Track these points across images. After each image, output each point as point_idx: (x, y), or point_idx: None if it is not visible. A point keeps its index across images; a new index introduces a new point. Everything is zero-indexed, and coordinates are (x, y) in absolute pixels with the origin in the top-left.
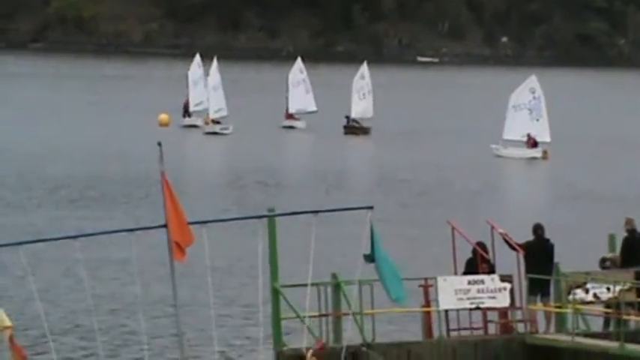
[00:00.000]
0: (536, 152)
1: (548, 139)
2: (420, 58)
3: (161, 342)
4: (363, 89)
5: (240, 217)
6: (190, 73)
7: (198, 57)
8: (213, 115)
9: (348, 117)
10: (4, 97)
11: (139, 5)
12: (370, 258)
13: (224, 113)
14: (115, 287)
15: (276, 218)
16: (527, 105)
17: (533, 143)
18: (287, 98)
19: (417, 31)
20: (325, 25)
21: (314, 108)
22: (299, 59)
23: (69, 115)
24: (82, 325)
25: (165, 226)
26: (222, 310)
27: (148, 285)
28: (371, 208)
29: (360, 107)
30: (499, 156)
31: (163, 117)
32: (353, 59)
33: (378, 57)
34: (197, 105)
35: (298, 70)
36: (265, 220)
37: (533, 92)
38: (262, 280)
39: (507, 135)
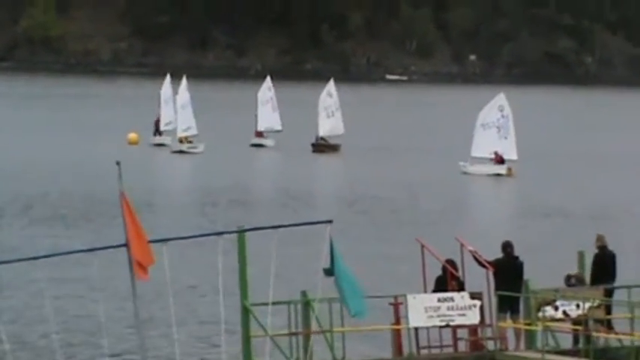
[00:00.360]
0: (502, 169)
1: (515, 157)
2: (388, 76)
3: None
4: (330, 107)
5: (199, 235)
6: (162, 92)
7: (169, 76)
8: (181, 134)
9: (317, 135)
10: None
11: (107, 24)
12: (330, 272)
13: (194, 132)
14: (77, 306)
15: (245, 236)
16: (495, 123)
17: (499, 160)
18: (256, 116)
19: (384, 49)
20: (293, 43)
21: (279, 127)
22: (268, 78)
23: (37, 135)
24: (44, 344)
25: (125, 245)
26: (189, 329)
27: (111, 304)
28: (330, 222)
29: (328, 125)
30: (466, 173)
31: (132, 136)
32: (321, 77)
33: (346, 75)
34: (167, 124)
35: (267, 88)
36: (232, 237)
37: (502, 110)
38: (226, 298)
39: (475, 152)
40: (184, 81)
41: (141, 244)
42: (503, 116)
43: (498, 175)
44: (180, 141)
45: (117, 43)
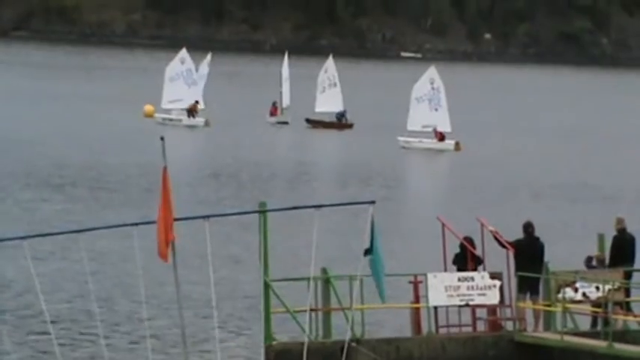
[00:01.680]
0: (449, 145)
1: (448, 129)
2: (403, 54)
3: (163, 334)
4: (324, 82)
5: (240, 212)
6: (168, 69)
7: (184, 51)
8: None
9: (338, 112)
10: None
11: None
12: (369, 252)
13: (201, 106)
14: (116, 280)
15: (267, 214)
16: (427, 95)
17: (440, 137)
18: (281, 93)
19: (400, 26)
20: (309, 18)
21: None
22: (286, 56)
23: (51, 105)
24: (84, 317)
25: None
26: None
27: (149, 278)
28: (373, 202)
29: (320, 101)
30: (404, 147)
31: (148, 108)
32: (336, 53)
33: (361, 51)
34: (172, 102)
35: (287, 65)
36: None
37: (432, 83)
38: (254, 274)
39: (411, 126)
40: (209, 57)
41: (166, 223)
42: (433, 88)
43: (442, 151)
44: (193, 110)
45: (131, 15)
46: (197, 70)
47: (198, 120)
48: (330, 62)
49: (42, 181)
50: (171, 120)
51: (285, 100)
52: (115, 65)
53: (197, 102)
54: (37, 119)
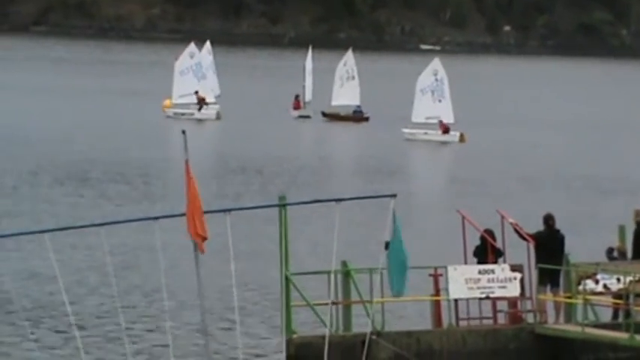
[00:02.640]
0: (453, 137)
1: (452, 120)
2: (422, 46)
3: (185, 326)
4: (343, 76)
5: (260, 206)
6: (177, 64)
7: (192, 45)
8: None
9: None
10: (6, 81)
11: None
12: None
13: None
14: (139, 274)
15: (287, 207)
16: (430, 87)
17: (445, 129)
18: (304, 87)
19: (419, 18)
20: (328, 11)
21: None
22: (310, 49)
23: (71, 100)
24: (108, 311)
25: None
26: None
27: (171, 271)
28: (394, 196)
29: (338, 94)
30: (409, 139)
31: (168, 102)
32: (355, 46)
33: (380, 44)
34: (183, 96)
35: (310, 59)
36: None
37: (435, 74)
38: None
39: (416, 118)
40: (208, 45)
41: (197, 216)
42: (437, 80)
43: (446, 142)
44: (202, 101)
45: (150, 9)
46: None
47: (210, 112)
48: (349, 55)
49: (66, 175)
50: (183, 114)
51: (308, 94)
52: (134, 59)
53: (197, 92)
54: (58, 114)
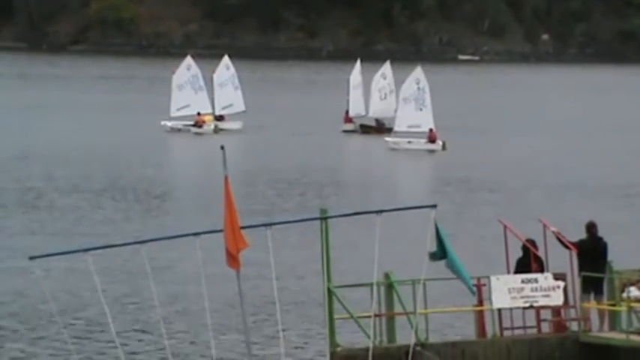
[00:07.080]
0: (436, 145)
1: (432, 127)
2: (460, 56)
3: (227, 342)
4: (384, 89)
5: (301, 219)
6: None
7: (189, 58)
8: (221, 112)
9: (377, 120)
10: (46, 100)
11: (178, 6)
12: (436, 256)
13: (237, 109)
14: (179, 289)
15: (329, 220)
16: (413, 96)
17: (433, 138)
18: (348, 101)
19: (457, 29)
20: (365, 23)
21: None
22: (358, 62)
23: (110, 117)
24: (150, 327)
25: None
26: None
27: (211, 285)
28: (434, 206)
29: (379, 107)
30: (393, 149)
31: (208, 117)
32: (393, 58)
33: (417, 55)
34: (180, 109)
35: (358, 72)
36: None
37: (418, 83)
38: (317, 281)
39: (399, 127)
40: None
41: (234, 232)
42: (419, 88)
43: (431, 151)
44: (198, 124)
45: (188, 26)
46: (215, 75)
47: (206, 129)
48: (387, 68)
49: (116, 192)
50: (179, 130)
51: (354, 108)
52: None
53: (199, 113)
54: (98, 131)
